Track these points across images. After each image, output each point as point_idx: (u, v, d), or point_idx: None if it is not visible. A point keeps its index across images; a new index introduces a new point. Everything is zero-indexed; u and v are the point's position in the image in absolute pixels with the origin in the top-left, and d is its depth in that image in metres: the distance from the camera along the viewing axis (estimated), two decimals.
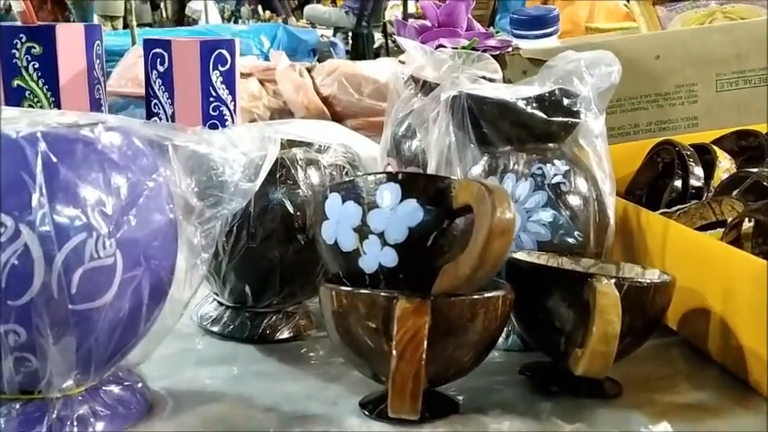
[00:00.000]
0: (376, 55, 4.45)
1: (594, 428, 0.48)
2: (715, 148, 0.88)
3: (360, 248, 0.48)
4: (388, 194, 0.46)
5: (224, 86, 0.91)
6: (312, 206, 0.54)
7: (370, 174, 0.49)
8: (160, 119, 0.91)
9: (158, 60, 0.89)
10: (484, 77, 0.75)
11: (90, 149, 0.42)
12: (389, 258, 0.47)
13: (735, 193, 0.76)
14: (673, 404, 0.52)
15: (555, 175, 0.62)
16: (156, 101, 0.91)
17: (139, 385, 0.49)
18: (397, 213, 0.46)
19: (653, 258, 0.67)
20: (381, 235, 0.47)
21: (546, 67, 0.67)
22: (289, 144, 0.63)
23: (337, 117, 1.69)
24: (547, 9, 1.10)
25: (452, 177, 0.47)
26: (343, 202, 0.48)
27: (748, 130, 0.93)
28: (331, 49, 4.44)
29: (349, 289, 0.47)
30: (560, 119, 0.61)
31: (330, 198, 0.49)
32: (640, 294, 0.50)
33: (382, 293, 0.45)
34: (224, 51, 0.90)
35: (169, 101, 0.89)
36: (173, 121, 0.90)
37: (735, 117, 1.00)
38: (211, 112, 0.90)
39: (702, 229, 0.80)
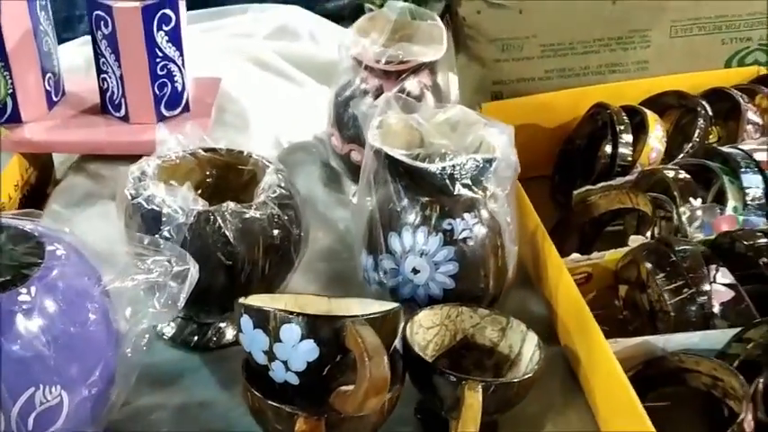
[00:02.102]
0: None
1: None
2: (648, 115, 0.92)
3: (269, 365, 0.56)
4: (289, 333, 0.54)
5: (170, 44, 0.91)
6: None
7: (275, 311, 0.56)
8: (109, 77, 0.93)
9: (102, 23, 0.89)
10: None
11: (23, 312, 0.49)
12: (293, 379, 0.56)
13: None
14: None
15: (463, 230, 0.68)
16: (104, 60, 0.92)
17: None
18: (298, 350, 0.54)
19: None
20: (285, 362, 0.55)
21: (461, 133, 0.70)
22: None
23: None
24: None
25: (346, 320, 0.54)
26: (254, 327, 0.56)
27: (686, 95, 0.95)
28: None
29: (260, 396, 0.56)
30: (467, 193, 0.66)
31: (243, 318, 0.56)
32: (506, 390, 0.61)
33: (287, 408, 0.55)
34: (167, 11, 0.89)
35: (116, 63, 0.90)
36: (122, 82, 0.92)
37: (686, 63, 1.01)
38: (159, 71, 0.92)
39: (619, 212, 0.87)
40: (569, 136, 1.01)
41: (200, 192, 0.75)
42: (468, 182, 0.65)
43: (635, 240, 0.77)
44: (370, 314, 0.55)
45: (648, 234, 0.79)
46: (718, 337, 0.67)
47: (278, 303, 0.65)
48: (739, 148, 0.84)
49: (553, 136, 1.00)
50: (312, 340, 0.54)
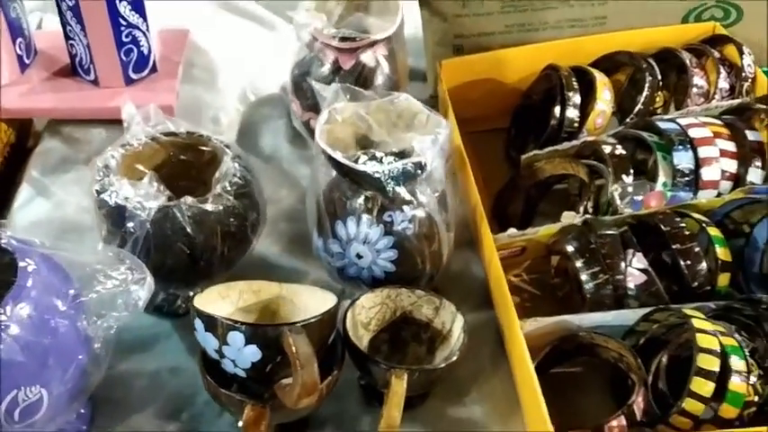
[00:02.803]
0: None
1: None
2: (597, 80, 0.95)
3: (220, 361, 0.65)
4: (234, 339, 0.62)
5: (134, 12, 0.94)
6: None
7: (222, 320, 0.64)
8: (77, 44, 0.96)
9: None
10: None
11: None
12: (241, 373, 0.65)
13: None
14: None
15: (402, 221, 0.74)
16: (70, 28, 0.95)
17: None
18: (243, 353, 0.62)
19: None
20: (233, 361, 0.63)
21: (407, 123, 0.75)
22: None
23: None
24: None
25: (284, 327, 0.62)
26: (205, 330, 0.64)
27: (636, 56, 0.98)
28: None
29: (214, 383, 0.65)
30: (403, 196, 0.72)
31: (196, 320, 0.64)
32: (429, 374, 0.69)
33: (237, 397, 0.64)
34: None
35: (82, 32, 0.93)
36: (89, 50, 0.95)
37: (644, 18, 1.03)
38: (124, 39, 0.95)
39: (561, 177, 0.93)
40: (526, 92, 1.04)
41: (165, 170, 0.81)
42: (401, 183, 0.71)
43: (566, 217, 0.83)
44: (305, 320, 0.63)
45: (581, 209, 0.85)
46: (628, 316, 0.75)
47: (233, 291, 0.73)
48: (677, 122, 0.88)
49: (511, 90, 1.04)
50: (255, 345, 0.62)
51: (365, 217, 0.74)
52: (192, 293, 0.82)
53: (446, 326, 0.76)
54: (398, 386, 0.66)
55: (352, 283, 0.79)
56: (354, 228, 0.75)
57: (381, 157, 0.71)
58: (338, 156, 0.71)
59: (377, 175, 0.70)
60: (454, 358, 0.70)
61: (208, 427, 0.73)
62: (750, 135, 0.88)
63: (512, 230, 0.83)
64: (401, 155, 0.72)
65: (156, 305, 0.82)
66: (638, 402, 0.68)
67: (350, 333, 0.72)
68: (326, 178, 0.76)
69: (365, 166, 0.70)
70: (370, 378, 0.71)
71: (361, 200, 0.74)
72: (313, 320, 0.63)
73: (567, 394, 0.77)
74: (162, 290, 0.81)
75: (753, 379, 0.67)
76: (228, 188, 0.75)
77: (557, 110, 0.96)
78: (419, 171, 0.70)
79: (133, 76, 0.98)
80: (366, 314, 0.76)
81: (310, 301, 0.72)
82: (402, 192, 0.73)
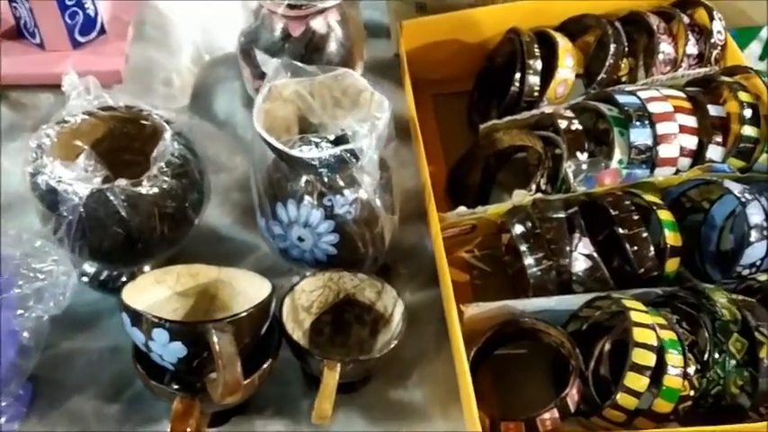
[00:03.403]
0: None
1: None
2: (560, 46, 0.91)
3: (149, 355, 0.64)
4: (159, 335, 0.61)
5: None
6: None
7: (146, 316, 0.63)
8: (20, 7, 0.92)
9: None
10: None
11: None
12: (169, 367, 0.64)
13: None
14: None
15: (343, 205, 0.72)
16: None
17: None
18: (169, 349, 0.62)
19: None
20: (160, 355, 0.63)
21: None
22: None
23: None
24: None
25: (208, 324, 0.61)
26: (132, 325, 0.63)
27: (602, 21, 0.94)
28: None
29: (144, 374, 0.65)
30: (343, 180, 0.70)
31: (123, 314, 0.63)
32: (364, 364, 0.69)
33: (166, 389, 0.64)
34: None
35: None
36: (32, 13, 0.91)
37: None
38: (68, 2, 0.91)
39: (520, 147, 0.90)
40: (489, 55, 1.01)
41: (106, 144, 0.79)
42: (335, 171, 0.69)
43: (517, 195, 0.81)
44: (232, 316, 0.62)
45: (534, 186, 0.83)
46: (572, 302, 0.74)
47: (170, 276, 0.72)
48: (637, 96, 0.85)
49: (477, 52, 1.00)
50: (180, 342, 0.61)
51: (306, 200, 0.72)
52: (136, 269, 0.81)
53: (388, 310, 0.75)
54: (330, 378, 0.65)
55: (297, 263, 0.78)
56: (295, 211, 0.73)
57: (318, 143, 0.69)
58: (273, 140, 0.69)
59: (312, 162, 0.68)
60: (390, 347, 0.69)
61: (148, 409, 0.73)
62: (712, 110, 0.85)
63: (461, 209, 0.81)
64: (339, 140, 0.70)
65: (100, 281, 0.82)
66: (571, 395, 0.67)
67: (287, 320, 0.71)
68: (268, 158, 0.74)
69: (300, 151, 0.68)
70: (306, 365, 0.71)
71: (301, 183, 0.72)
72: (241, 315, 0.63)
73: (511, 375, 0.77)
74: (104, 268, 0.80)
75: (690, 373, 0.67)
76: (165, 168, 0.73)
77: (517, 77, 0.93)
78: (354, 159, 0.68)
79: (80, 39, 0.95)
80: (307, 297, 0.75)
81: (248, 286, 0.72)
82: (341, 177, 0.71)
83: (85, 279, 0.82)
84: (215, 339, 0.59)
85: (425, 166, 0.83)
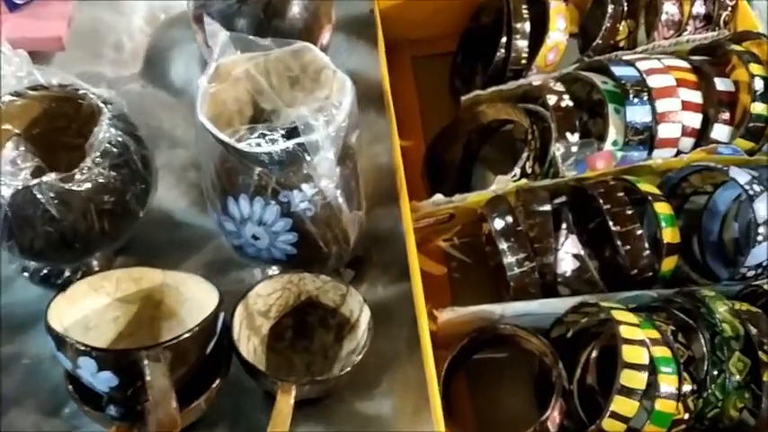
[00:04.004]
0: None
1: None
2: (551, 7, 0.82)
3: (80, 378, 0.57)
4: (86, 364, 0.54)
5: None
6: None
7: (71, 342, 0.56)
8: None
9: None
10: None
11: None
12: (103, 393, 0.57)
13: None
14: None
15: (301, 201, 0.64)
16: None
17: None
18: (98, 378, 0.55)
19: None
20: (91, 383, 0.56)
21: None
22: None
23: None
24: None
25: (140, 352, 0.54)
26: (57, 349, 0.55)
27: None
28: None
29: (77, 397, 0.59)
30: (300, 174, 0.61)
31: (51, 338, 0.56)
32: (324, 384, 0.63)
33: (104, 416, 0.57)
34: None
35: None
36: None
37: None
38: None
39: (503, 122, 0.82)
40: (474, 12, 0.91)
41: (40, 127, 0.70)
42: (285, 166, 0.60)
43: (499, 182, 0.73)
44: (169, 341, 0.55)
45: (518, 170, 0.74)
46: (556, 306, 0.67)
47: (108, 282, 0.65)
48: (636, 67, 0.76)
49: (459, 9, 0.90)
50: (109, 371, 0.55)
51: (259, 197, 0.64)
52: (80, 264, 0.74)
53: (354, 314, 0.68)
54: (284, 402, 0.59)
55: (254, 260, 0.71)
56: (248, 207, 0.65)
57: (267, 135, 0.60)
58: (216, 131, 0.60)
59: (261, 158, 0.60)
60: (353, 363, 0.63)
61: (90, 425, 0.67)
62: (720, 84, 0.75)
63: (437, 197, 0.73)
64: (294, 131, 0.61)
65: (41, 276, 0.74)
66: (552, 418, 0.61)
67: (241, 329, 0.64)
68: (216, 146, 0.66)
69: (247, 145, 0.60)
70: (260, 385, 0.64)
71: (254, 177, 0.64)
72: (180, 339, 0.56)
73: (490, 382, 0.70)
74: (42, 265, 0.73)
75: (685, 393, 0.60)
76: (101, 159, 0.65)
77: (503, 41, 0.83)
78: (306, 155, 0.59)
79: (18, 0, 0.85)
80: (264, 302, 0.68)
81: (197, 291, 0.64)
82: (297, 171, 0.63)
83: (26, 274, 0.75)
84: (147, 371, 0.52)
85: (398, 147, 0.75)
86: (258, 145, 0.60)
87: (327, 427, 0.67)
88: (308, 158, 0.59)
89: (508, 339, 0.68)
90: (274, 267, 0.72)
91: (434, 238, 0.79)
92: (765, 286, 0.63)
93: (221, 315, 0.61)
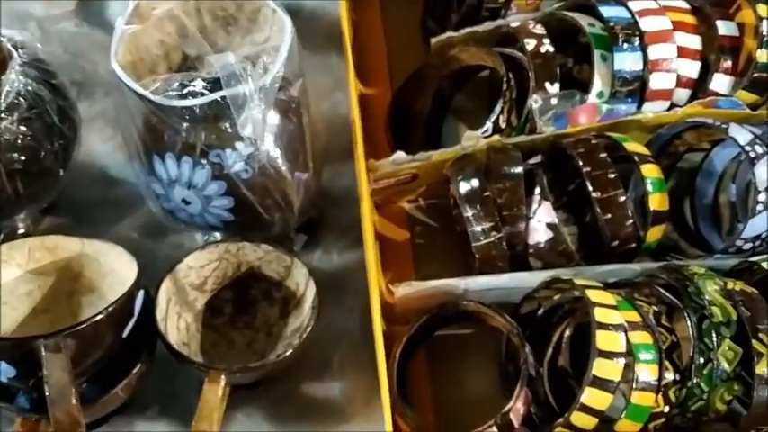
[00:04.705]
0: None
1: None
2: None
3: None
4: None
5: None
6: None
7: None
8: None
9: None
10: None
11: None
12: (6, 383, 0.50)
13: None
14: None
15: (235, 162, 0.56)
16: None
17: None
18: None
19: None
20: None
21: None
22: None
23: None
24: None
25: (38, 341, 0.46)
26: None
27: None
28: None
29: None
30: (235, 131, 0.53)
31: None
32: (257, 370, 0.56)
33: (10, 407, 0.51)
34: None
35: None
36: None
37: None
38: None
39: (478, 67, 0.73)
40: None
41: None
42: (210, 122, 0.52)
43: (468, 138, 0.65)
44: (71, 328, 0.48)
45: (490, 124, 0.66)
46: (527, 279, 0.60)
47: (18, 252, 0.57)
48: (627, 6, 0.66)
49: None
50: (3, 362, 0.48)
51: (186, 156, 0.56)
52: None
53: (300, 288, 0.60)
54: (211, 392, 0.52)
55: (189, 226, 0.63)
56: (175, 168, 0.57)
57: (187, 85, 0.51)
58: (128, 80, 0.52)
59: (182, 112, 0.51)
60: (293, 347, 0.56)
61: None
62: (722, 27, 0.66)
63: (398, 155, 0.65)
64: (218, 83, 0.52)
65: None
66: (516, 409, 0.54)
67: (170, 306, 0.57)
68: (136, 99, 0.57)
69: (165, 98, 0.51)
70: (187, 370, 0.57)
71: (181, 134, 0.56)
72: (86, 324, 0.48)
73: (452, 361, 0.64)
74: None
75: (666, 382, 0.53)
76: (8, 114, 0.57)
77: None
78: (236, 109, 0.51)
79: None
80: (198, 274, 0.60)
81: (118, 264, 0.57)
82: (230, 127, 0.54)
83: None
84: (44, 362, 0.46)
85: (355, 97, 0.66)
86: (181, 97, 0.51)
87: (269, 411, 0.60)
88: (235, 113, 0.51)
89: (473, 316, 0.61)
90: (216, 234, 0.64)
91: (398, 199, 0.71)
92: (764, 264, 0.55)
93: (140, 293, 0.54)
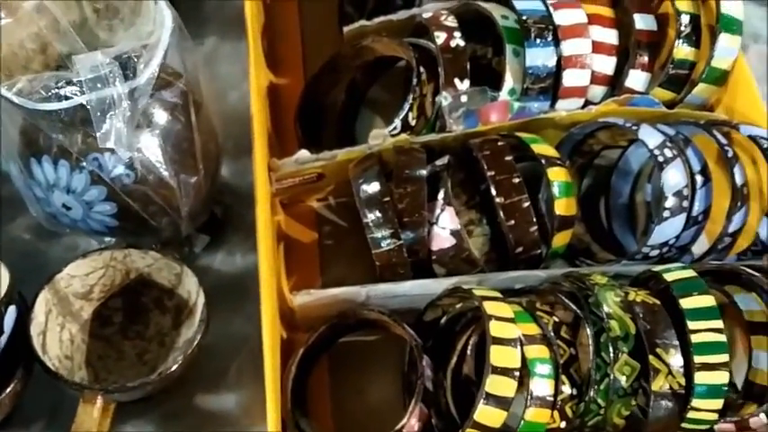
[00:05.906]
0: None
1: None
2: None
3: None
4: None
5: None
6: None
7: None
8: None
9: None
10: None
11: None
12: None
13: None
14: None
15: (115, 166, 0.53)
16: None
17: None
18: None
19: None
20: None
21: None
22: None
23: None
24: None
25: None
26: None
27: None
28: None
29: None
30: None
31: None
32: (138, 389, 0.52)
33: None
34: None
35: None
36: None
37: None
38: None
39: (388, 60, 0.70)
40: None
41: None
42: (77, 125, 0.48)
43: (374, 137, 0.62)
44: None
45: (398, 122, 0.63)
46: (429, 287, 0.57)
47: None
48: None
49: None
50: None
51: (63, 160, 0.53)
52: None
53: (192, 296, 0.57)
54: (86, 416, 0.49)
55: (76, 230, 0.59)
56: (52, 172, 0.54)
57: (52, 87, 0.48)
58: (6, 91, 0.48)
59: (47, 116, 0.48)
60: (177, 364, 0.53)
61: None
62: (640, 21, 0.64)
63: (301, 154, 0.62)
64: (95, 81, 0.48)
65: None
66: (409, 426, 0.52)
67: (44, 325, 0.53)
68: None
69: (27, 100, 0.47)
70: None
71: (57, 136, 0.52)
72: None
73: (353, 369, 0.61)
74: None
75: (563, 397, 0.52)
76: None
77: None
78: (98, 118, 0.47)
79: None
80: (82, 283, 0.57)
81: None
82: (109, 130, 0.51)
83: None
84: None
85: (255, 88, 0.62)
86: (44, 100, 0.48)
87: (160, 425, 0.57)
88: (102, 117, 0.47)
89: (375, 324, 0.58)
90: (107, 238, 0.61)
91: (306, 198, 0.68)
92: (665, 275, 0.53)
93: (11, 308, 0.50)
